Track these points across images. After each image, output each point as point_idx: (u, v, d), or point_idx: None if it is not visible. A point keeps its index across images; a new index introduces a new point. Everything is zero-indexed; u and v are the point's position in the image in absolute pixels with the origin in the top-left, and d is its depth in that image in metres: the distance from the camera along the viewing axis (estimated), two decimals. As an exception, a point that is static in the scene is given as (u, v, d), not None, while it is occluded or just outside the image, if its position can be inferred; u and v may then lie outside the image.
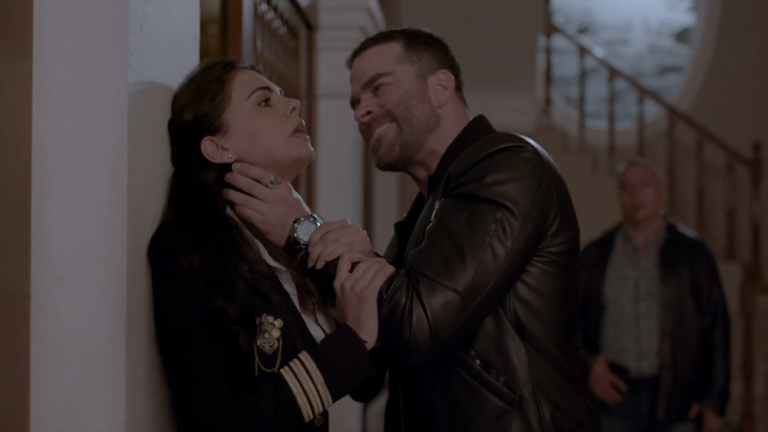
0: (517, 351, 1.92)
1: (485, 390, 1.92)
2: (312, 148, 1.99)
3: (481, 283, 1.84)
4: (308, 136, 2.00)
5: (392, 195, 6.06)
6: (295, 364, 1.80)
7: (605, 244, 4.48)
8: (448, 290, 1.82)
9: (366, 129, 2.15)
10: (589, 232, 7.38)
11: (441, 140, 2.11)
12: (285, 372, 1.79)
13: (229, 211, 1.94)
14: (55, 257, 1.74)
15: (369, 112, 2.12)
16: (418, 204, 2.20)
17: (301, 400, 1.78)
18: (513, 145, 1.95)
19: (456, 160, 2.00)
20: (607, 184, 8.05)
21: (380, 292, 1.85)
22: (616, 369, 4.31)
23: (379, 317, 1.84)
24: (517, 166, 1.91)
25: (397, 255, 2.16)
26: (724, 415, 4.23)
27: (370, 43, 2.17)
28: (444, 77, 2.14)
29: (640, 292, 4.29)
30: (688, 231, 4.49)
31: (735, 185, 7.96)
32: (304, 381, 1.78)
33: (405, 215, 2.24)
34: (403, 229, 2.19)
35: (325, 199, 4.35)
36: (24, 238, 1.72)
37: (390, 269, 1.88)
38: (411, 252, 1.92)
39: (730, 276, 6.05)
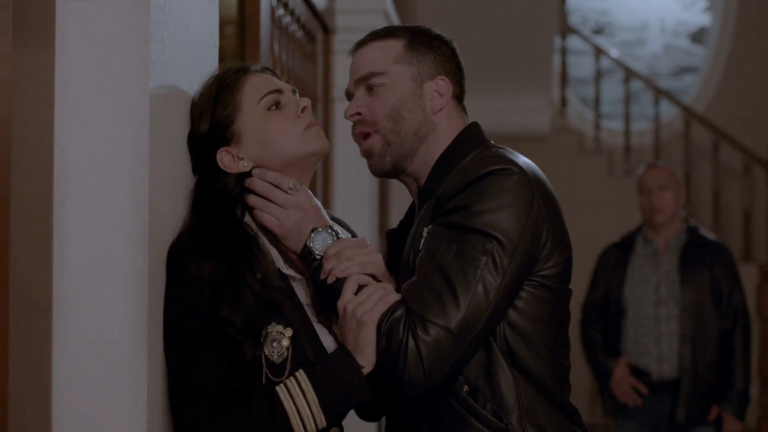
0: (505, 378, 1.88)
1: (471, 418, 1.87)
2: (327, 141, 1.98)
3: (473, 319, 1.81)
4: (321, 130, 1.98)
5: (408, 197, 6.06)
6: (291, 382, 1.80)
7: (625, 246, 4.47)
8: (440, 329, 1.79)
9: (353, 127, 2.08)
10: (605, 232, 7.37)
11: (433, 150, 2.03)
12: (281, 390, 1.80)
13: (247, 218, 1.95)
14: (76, 265, 1.75)
15: (358, 113, 2.04)
16: (411, 213, 2.15)
17: (294, 419, 1.78)
18: (500, 168, 1.88)
19: (445, 180, 1.95)
20: (622, 185, 8.03)
21: (380, 321, 1.82)
22: (637, 372, 4.30)
23: (377, 346, 1.82)
24: (506, 191, 1.86)
25: (388, 264, 2.09)
26: (744, 419, 4.21)
27: (373, 36, 2.08)
28: (442, 84, 2.05)
29: (660, 296, 4.29)
30: (709, 234, 4.47)
31: (751, 186, 7.93)
32: (299, 401, 1.79)
33: (399, 224, 2.19)
34: (394, 237, 2.14)
35: (342, 201, 4.36)
36: (46, 245, 1.73)
37: (393, 297, 1.85)
38: (404, 285, 1.88)
39: (747, 277, 6.00)
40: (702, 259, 4.26)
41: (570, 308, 2.02)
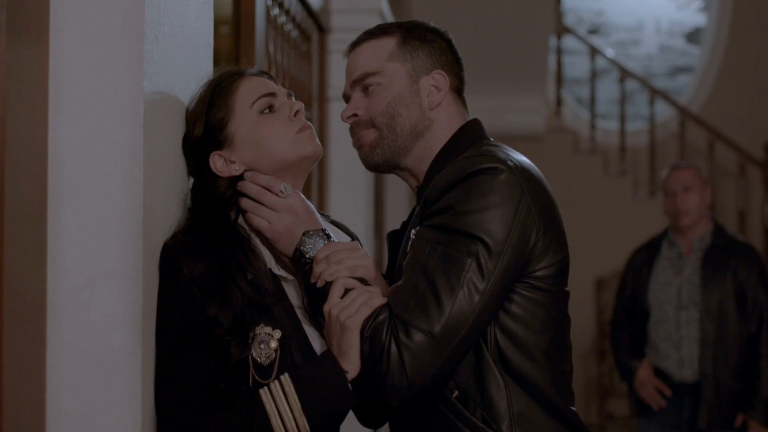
0: (496, 383, 1.83)
1: (460, 424, 1.84)
2: (320, 144, 1.97)
3: (457, 323, 1.76)
4: (315, 133, 1.97)
5: (404, 197, 6.06)
6: (274, 385, 1.79)
7: (651, 249, 4.43)
8: (423, 333, 1.75)
9: (350, 130, 2.06)
10: (600, 232, 7.32)
11: (430, 147, 2.00)
12: (263, 393, 1.79)
13: (241, 220, 1.95)
14: (71, 264, 1.74)
15: (355, 115, 2.02)
16: (413, 213, 2.10)
17: (275, 422, 1.77)
18: (487, 167, 1.83)
19: (435, 178, 1.91)
20: (618, 184, 8.05)
21: (364, 325, 1.79)
22: (660, 374, 4.28)
23: (361, 351, 1.79)
24: (492, 191, 1.81)
25: (388, 266, 2.12)
26: None
27: (367, 35, 2.05)
28: (439, 78, 2.01)
29: (682, 299, 4.24)
30: (737, 235, 4.42)
31: (746, 186, 7.93)
32: (281, 404, 1.77)
33: (401, 224, 2.15)
34: (396, 238, 2.10)
35: (337, 202, 4.36)
36: (40, 244, 1.73)
37: (378, 301, 1.81)
38: (390, 288, 1.85)
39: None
40: (726, 261, 4.17)
41: (571, 309, 1.97)
